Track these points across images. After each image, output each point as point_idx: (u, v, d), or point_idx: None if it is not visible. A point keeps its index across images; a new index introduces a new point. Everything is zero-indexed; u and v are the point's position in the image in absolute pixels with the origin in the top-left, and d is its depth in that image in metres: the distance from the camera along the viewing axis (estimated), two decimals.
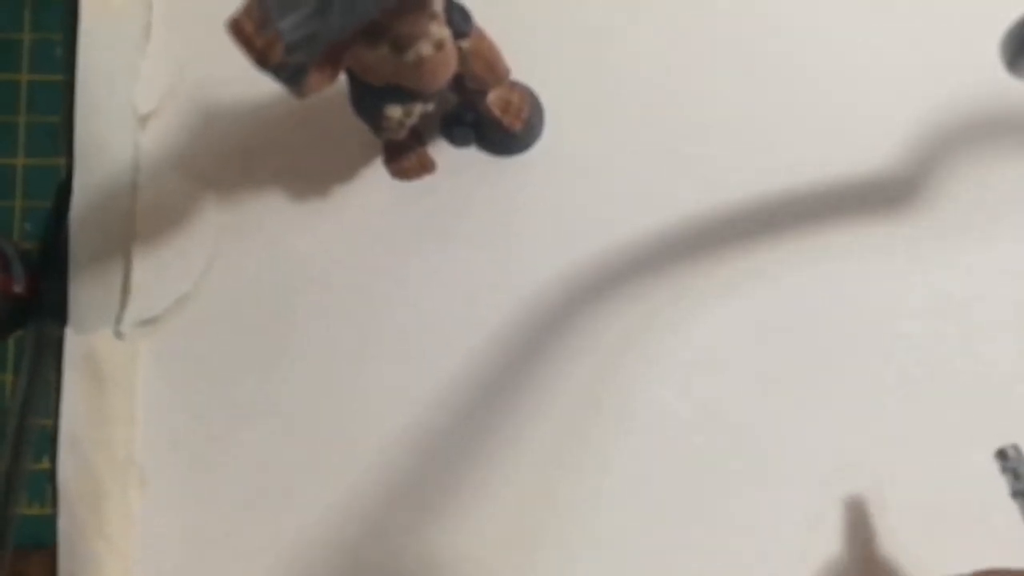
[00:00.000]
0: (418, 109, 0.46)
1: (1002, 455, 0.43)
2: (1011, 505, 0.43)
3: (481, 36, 0.45)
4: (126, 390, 0.52)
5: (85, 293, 0.53)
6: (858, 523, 0.51)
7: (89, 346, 0.52)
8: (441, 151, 0.53)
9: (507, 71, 0.47)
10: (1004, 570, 0.36)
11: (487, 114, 0.50)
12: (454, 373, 0.52)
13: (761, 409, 0.51)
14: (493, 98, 0.50)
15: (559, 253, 0.53)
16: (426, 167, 0.52)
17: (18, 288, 0.51)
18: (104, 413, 0.52)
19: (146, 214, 0.53)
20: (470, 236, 0.53)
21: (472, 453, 0.51)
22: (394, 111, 0.45)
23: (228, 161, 0.54)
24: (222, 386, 0.53)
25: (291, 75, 0.38)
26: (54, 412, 0.52)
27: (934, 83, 0.53)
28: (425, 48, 0.41)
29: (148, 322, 0.53)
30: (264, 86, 0.39)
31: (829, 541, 0.51)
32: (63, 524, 0.51)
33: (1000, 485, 0.43)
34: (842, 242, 0.52)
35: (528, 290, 0.52)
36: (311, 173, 0.53)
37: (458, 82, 0.46)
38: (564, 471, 0.51)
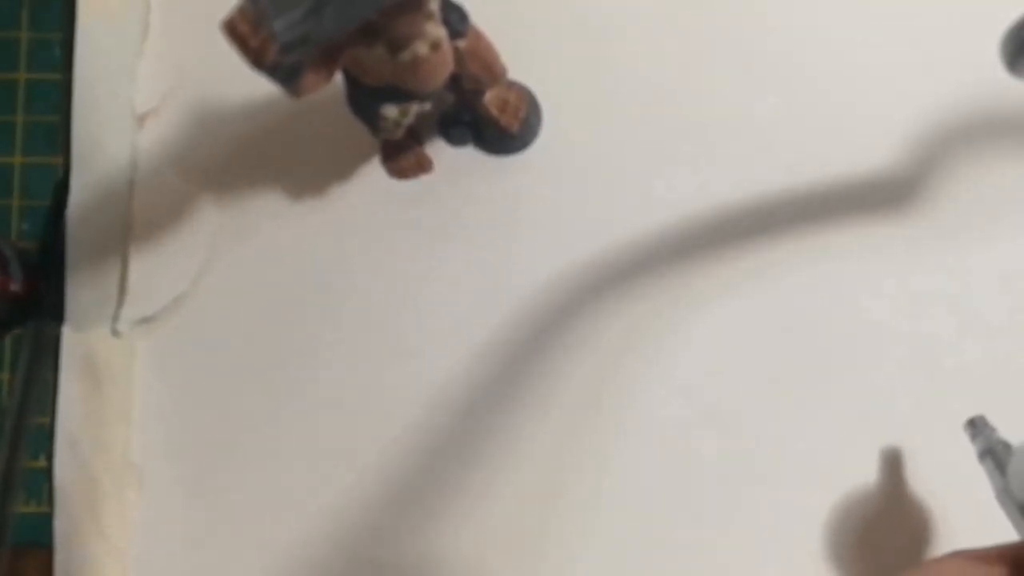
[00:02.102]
0: (415, 109, 0.45)
1: (971, 424, 0.46)
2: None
3: (478, 36, 0.44)
4: (123, 389, 0.52)
5: (82, 292, 0.53)
6: (859, 523, 0.51)
7: (86, 345, 0.52)
8: (439, 150, 0.53)
9: (504, 71, 0.47)
10: (973, 551, 0.37)
11: (484, 114, 0.50)
12: (452, 373, 0.52)
13: (761, 409, 0.51)
14: (490, 97, 0.50)
15: (558, 252, 0.52)
16: (424, 166, 0.52)
17: (16, 287, 0.51)
18: (101, 412, 0.52)
19: (143, 213, 0.53)
20: (468, 236, 0.53)
21: (472, 453, 0.51)
22: (390, 111, 0.45)
23: (226, 160, 0.54)
24: (219, 384, 0.53)
25: (286, 75, 0.38)
26: (51, 410, 0.52)
27: (934, 83, 0.53)
28: (421, 48, 0.41)
29: (145, 321, 0.53)
30: (262, 86, 0.39)
31: (829, 541, 0.50)
32: (60, 523, 0.51)
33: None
34: (842, 242, 0.52)
35: (527, 289, 0.52)
36: (308, 172, 0.53)
37: (455, 82, 0.46)
38: (564, 471, 0.51)
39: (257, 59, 0.37)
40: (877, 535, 0.50)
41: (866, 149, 0.53)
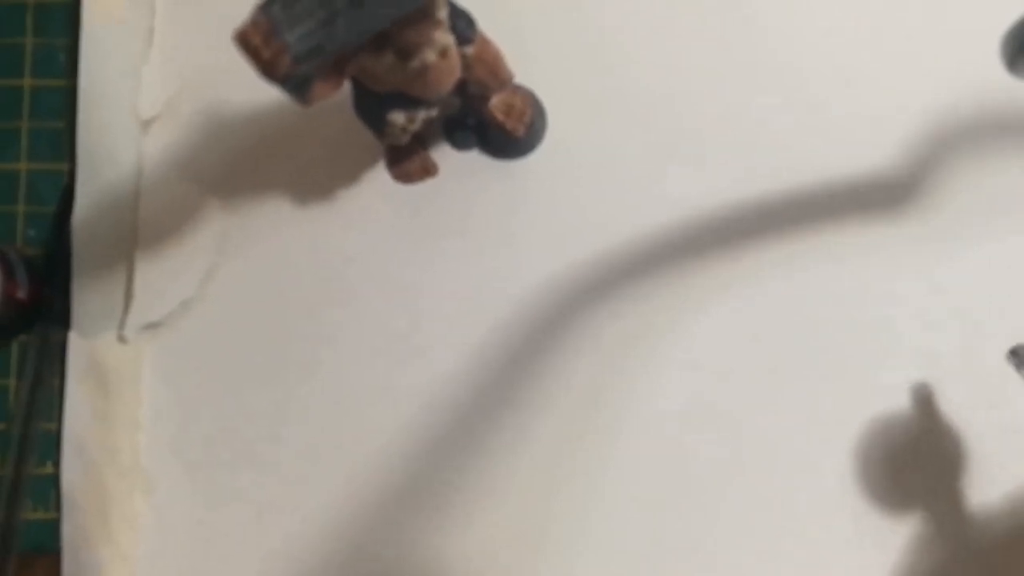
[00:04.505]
0: (421, 115, 0.45)
1: (1015, 354, 0.45)
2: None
3: (485, 42, 0.45)
4: (130, 394, 0.52)
5: (89, 298, 0.53)
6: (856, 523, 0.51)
7: (93, 350, 0.52)
8: (444, 154, 0.53)
9: (510, 76, 0.47)
10: None
11: (490, 118, 0.50)
12: (456, 374, 0.52)
13: (761, 409, 0.52)
14: (496, 102, 0.50)
15: (560, 255, 0.53)
16: (429, 171, 0.52)
17: (21, 293, 0.51)
18: (108, 417, 0.52)
19: (149, 219, 0.53)
20: (473, 239, 0.53)
21: (472, 453, 0.51)
22: (397, 117, 0.45)
23: (231, 166, 0.54)
24: (226, 390, 0.53)
25: (297, 85, 0.38)
26: (58, 416, 0.52)
27: (934, 83, 0.53)
28: (430, 55, 0.41)
29: (152, 326, 0.53)
30: (267, 92, 0.39)
31: (828, 540, 0.51)
32: (67, 529, 0.51)
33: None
34: (842, 242, 0.52)
35: (529, 291, 0.53)
36: (313, 177, 0.53)
37: (462, 87, 0.46)
38: (564, 471, 0.51)
39: (270, 70, 0.37)
40: (874, 538, 0.51)
41: (866, 149, 0.53)
